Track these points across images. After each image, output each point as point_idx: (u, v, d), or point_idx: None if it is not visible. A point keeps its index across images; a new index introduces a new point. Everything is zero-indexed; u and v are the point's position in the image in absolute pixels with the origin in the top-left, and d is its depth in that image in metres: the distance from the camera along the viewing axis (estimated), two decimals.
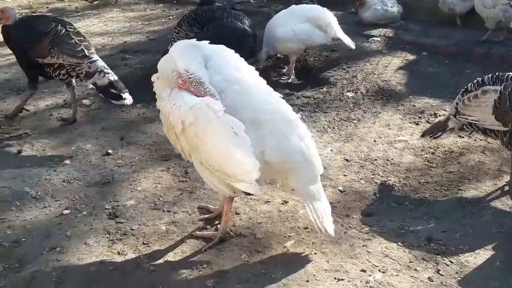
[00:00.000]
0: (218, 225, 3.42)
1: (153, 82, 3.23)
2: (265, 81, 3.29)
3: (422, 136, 4.18)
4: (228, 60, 3.17)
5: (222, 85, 3.01)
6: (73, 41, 4.76)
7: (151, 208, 3.69)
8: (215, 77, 3.03)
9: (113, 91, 4.70)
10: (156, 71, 3.18)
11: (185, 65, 2.99)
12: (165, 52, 5.58)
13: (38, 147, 4.52)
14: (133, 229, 3.46)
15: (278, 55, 6.40)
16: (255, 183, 2.91)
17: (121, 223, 3.53)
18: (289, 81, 6.01)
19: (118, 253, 3.25)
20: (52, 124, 4.96)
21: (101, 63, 4.79)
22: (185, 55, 3.06)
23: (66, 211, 3.66)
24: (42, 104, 5.38)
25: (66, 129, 4.84)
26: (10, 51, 6.83)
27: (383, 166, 4.20)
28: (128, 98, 4.68)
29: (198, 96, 2.95)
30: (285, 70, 6.28)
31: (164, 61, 3.14)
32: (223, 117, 2.85)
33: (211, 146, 2.90)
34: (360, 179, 4.04)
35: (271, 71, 6.30)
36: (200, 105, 2.87)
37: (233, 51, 3.28)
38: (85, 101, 5.40)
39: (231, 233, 3.39)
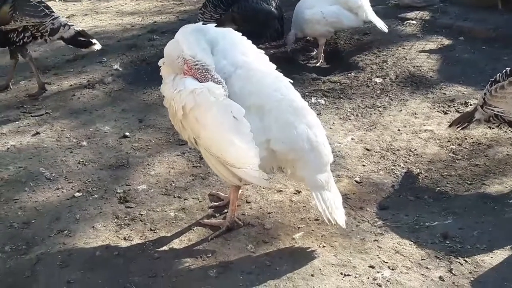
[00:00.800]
0: (227, 212, 3.34)
1: (160, 67, 3.17)
2: (274, 66, 3.17)
3: (449, 126, 4.01)
4: (235, 44, 3.07)
5: (228, 70, 2.93)
6: (32, 3, 4.98)
7: (162, 194, 3.64)
8: (221, 62, 2.94)
9: (82, 39, 5.11)
10: None
11: (191, 51, 2.91)
12: None
13: (57, 128, 4.53)
14: (141, 215, 3.43)
15: (308, 37, 6.24)
16: (258, 171, 2.82)
17: (131, 207, 3.51)
18: (317, 65, 5.85)
19: (125, 239, 3.23)
20: (74, 105, 4.97)
21: (63, 19, 5.15)
22: (191, 40, 2.97)
23: (77, 194, 3.65)
24: (66, 84, 5.40)
25: (86, 110, 4.84)
26: None
27: (405, 157, 4.04)
28: (97, 44, 5.12)
29: (202, 81, 2.88)
30: (314, 53, 6.12)
31: (170, 46, 3.06)
32: (224, 101, 2.77)
33: (210, 131, 2.83)
34: (379, 170, 3.88)
35: (299, 54, 6.16)
36: (201, 90, 2.80)
37: (240, 34, 3.18)
38: (108, 81, 5.37)
39: (240, 222, 3.31)
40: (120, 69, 5.58)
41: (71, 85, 5.35)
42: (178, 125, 3.07)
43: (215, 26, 3.17)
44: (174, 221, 3.38)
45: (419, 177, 3.81)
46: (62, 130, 4.49)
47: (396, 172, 3.86)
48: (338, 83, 5.29)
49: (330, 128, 4.42)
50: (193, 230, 3.30)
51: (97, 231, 3.30)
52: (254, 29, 5.38)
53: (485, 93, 3.63)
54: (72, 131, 4.47)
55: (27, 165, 4.00)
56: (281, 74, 3.14)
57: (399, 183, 3.73)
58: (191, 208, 3.49)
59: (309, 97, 4.95)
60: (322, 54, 5.94)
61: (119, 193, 3.65)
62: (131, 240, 3.21)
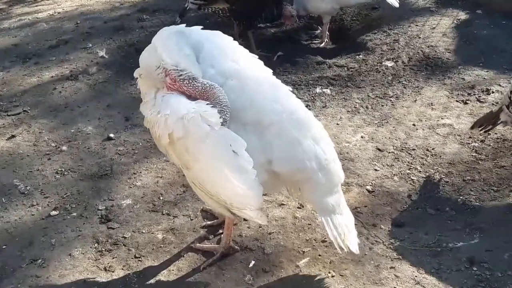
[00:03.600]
0: (222, 235, 2.94)
1: (136, 79, 2.69)
2: (270, 72, 2.69)
3: (471, 128, 3.55)
4: (223, 49, 2.58)
5: (218, 80, 2.46)
6: None
7: (149, 210, 3.23)
8: (208, 71, 2.48)
9: None
10: None
11: (173, 60, 2.45)
12: (182, 12, 5.06)
13: (35, 129, 4.09)
14: (125, 237, 3.03)
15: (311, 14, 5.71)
16: (257, 212, 2.41)
17: (113, 228, 3.10)
18: (322, 45, 5.35)
19: (105, 269, 2.83)
20: (54, 100, 4.50)
21: None
22: (172, 46, 2.50)
23: (54, 212, 3.25)
24: (47, 75, 4.92)
25: (68, 106, 4.39)
26: (23, 11, 6.49)
27: (422, 158, 3.59)
28: None
29: (194, 96, 2.42)
30: (318, 32, 5.61)
31: (147, 54, 2.60)
32: (220, 131, 2.32)
33: (204, 167, 2.38)
34: (394, 175, 3.45)
35: (302, 33, 5.65)
36: (192, 115, 2.33)
37: (229, 38, 2.70)
38: (93, 71, 4.89)
39: (236, 247, 2.91)
40: (106, 57, 5.11)
41: (52, 77, 4.88)
42: (162, 150, 2.63)
43: (201, 29, 2.68)
44: (162, 245, 2.97)
45: (439, 183, 3.37)
46: (40, 132, 4.05)
47: (412, 178, 3.42)
48: (345, 68, 4.80)
49: (337, 124, 3.97)
50: (184, 256, 2.90)
51: (74, 259, 2.90)
52: (247, 9, 4.90)
53: (511, 91, 3.16)
54: (51, 133, 4.03)
55: (0, 176, 3.58)
56: (279, 81, 2.66)
57: (417, 192, 3.30)
58: (181, 228, 3.08)
59: (313, 86, 4.48)
60: (327, 32, 5.44)
61: (101, 210, 3.24)
62: (113, 271, 2.82)
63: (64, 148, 3.84)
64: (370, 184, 3.37)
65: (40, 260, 2.90)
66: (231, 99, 2.43)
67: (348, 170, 3.46)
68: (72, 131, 4.04)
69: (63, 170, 3.61)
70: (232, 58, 2.53)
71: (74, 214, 3.22)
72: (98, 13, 6.30)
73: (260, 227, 3.06)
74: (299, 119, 2.53)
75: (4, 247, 3.02)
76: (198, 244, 2.96)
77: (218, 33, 2.68)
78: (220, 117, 2.31)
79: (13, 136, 4.00)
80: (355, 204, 3.19)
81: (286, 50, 5.16)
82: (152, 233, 3.06)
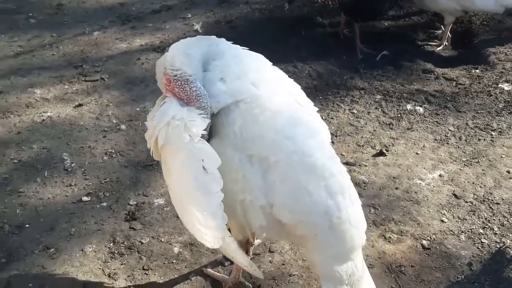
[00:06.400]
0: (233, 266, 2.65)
1: None
2: (308, 104, 2.25)
3: None
4: (247, 69, 2.16)
5: (223, 99, 2.08)
6: None
7: (177, 216, 2.97)
8: (216, 84, 2.10)
9: None
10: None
11: (172, 58, 2.13)
12: None
13: (104, 101, 4.01)
14: (142, 243, 2.85)
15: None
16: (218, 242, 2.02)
17: (135, 230, 2.94)
18: (439, 48, 4.72)
19: (109, 275, 2.68)
20: (134, 71, 4.40)
21: None
22: (180, 45, 2.17)
23: (86, 198, 3.15)
24: (137, 42, 4.83)
25: (144, 81, 4.26)
26: None
27: (504, 216, 2.99)
28: None
29: (184, 100, 2.09)
30: (439, 32, 4.96)
31: (160, 59, 2.29)
32: (198, 144, 1.96)
33: (173, 180, 2.07)
34: (461, 232, 2.90)
35: (420, 31, 5.02)
36: (177, 123, 2.00)
37: (267, 62, 2.29)
38: None
39: (247, 283, 2.61)
40: (200, 31, 4.89)
41: (141, 45, 4.78)
42: None
43: None
44: (175, 261, 2.75)
45: None
46: (107, 105, 3.97)
47: (483, 240, 2.85)
48: (454, 83, 4.17)
49: (417, 153, 3.44)
50: (191, 280, 2.66)
51: (84, 256, 2.78)
52: (361, 3, 4.40)
53: None
54: (117, 108, 3.93)
55: (52, 146, 3.56)
56: (311, 117, 2.20)
57: (481, 260, 2.74)
58: (200, 245, 2.83)
59: (406, 100, 3.94)
60: (449, 34, 4.78)
61: (131, 205, 3.09)
62: (115, 280, 2.66)
63: (123, 127, 3.73)
64: (429, 238, 2.86)
65: (52, 250, 2.82)
66: (239, 124, 2.07)
67: (408, 215, 2.98)
68: (138, 109, 3.91)
69: (113, 151, 3.51)
70: (253, 82, 2.14)
71: (104, 204, 3.11)
72: None
73: (283, 264, 2.72)
74: (313, 165, 2.06)
75: (27, 226, 2.98)
76: (209, 270, 2.70)
77: (255, 55, 2.28)
78: (204, 129, 1.99)
79: (80, 105, 3.96)
80: (401, 261, 2.72)
81: (394, 49, 4.62)
82: (170, 244, 2.85)
